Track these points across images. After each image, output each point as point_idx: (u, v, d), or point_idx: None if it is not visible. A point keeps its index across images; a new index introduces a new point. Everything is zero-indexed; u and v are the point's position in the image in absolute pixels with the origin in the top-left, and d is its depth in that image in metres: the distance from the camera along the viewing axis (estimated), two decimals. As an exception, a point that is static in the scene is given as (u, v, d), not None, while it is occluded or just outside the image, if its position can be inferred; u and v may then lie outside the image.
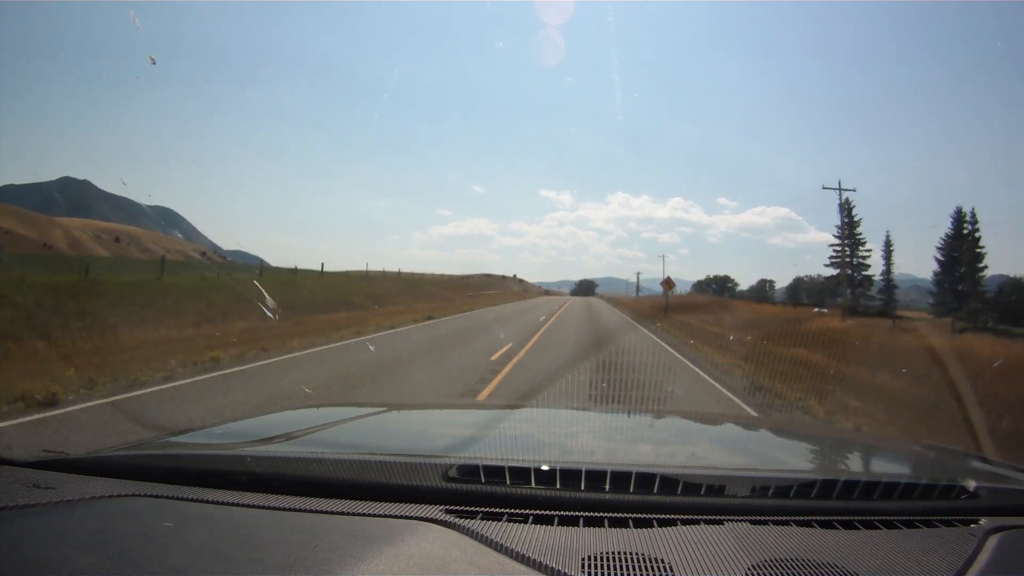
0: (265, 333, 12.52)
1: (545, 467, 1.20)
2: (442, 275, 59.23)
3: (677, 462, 1.69)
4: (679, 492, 1.16)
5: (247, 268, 32.99)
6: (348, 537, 1.00)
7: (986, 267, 45.84)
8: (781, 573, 0.92)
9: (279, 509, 1.10)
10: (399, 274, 44.90)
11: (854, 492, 1.19)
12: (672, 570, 0.92)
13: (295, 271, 29.14)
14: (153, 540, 0.99)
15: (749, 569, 0.92)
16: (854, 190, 38.52)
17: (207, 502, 1.14)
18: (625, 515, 1.09)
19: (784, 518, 1.12)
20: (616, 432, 2.16)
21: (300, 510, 1.10)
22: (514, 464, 1.22)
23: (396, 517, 1.07)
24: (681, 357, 12.88)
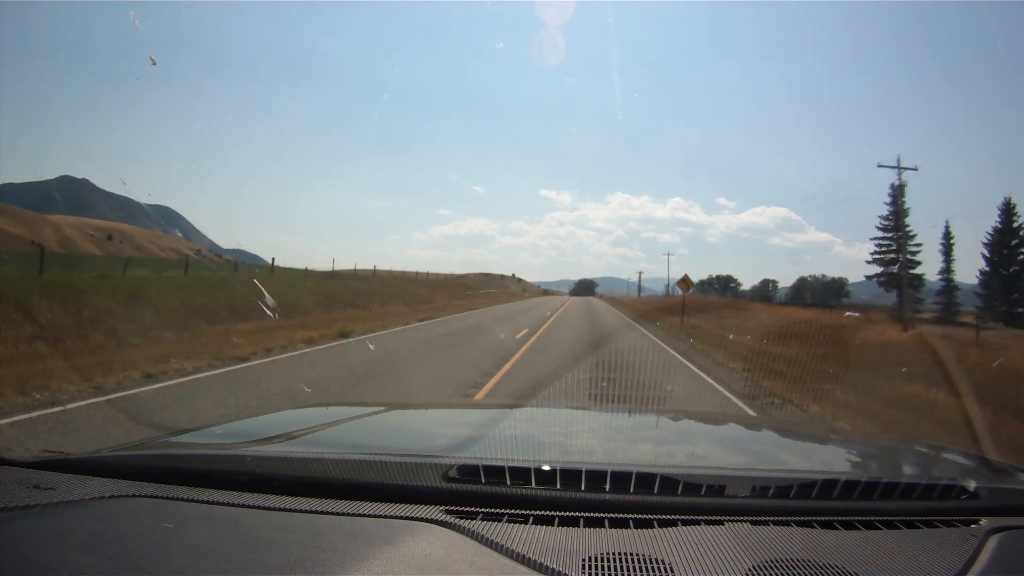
0: (195, 343, 10.40)
1: (545, 467, 1.19)
2: (437, 274, 56.23)
3: (677, 462, 1.69)
4: (679, 492, 1.16)
5: (226, 264, 31.59)
6: (348, 537, 1.00)
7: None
8: (782, 573, 0.92)
9: (279, 509, 1.10)
10: (375, 272, 38.32)
11: (854, 492, 1.19)
12: (672, 571, 0.92)
13: (273, 268, 26.73)
14: (153, 541, 0.99)
15: (750, 569, 0.92)
16: (915, 168, 28.64)
17: (207, 502, 1.14)
18: (625, 515, 1.09)
19: (784, 518, 1.12)
20: (616, 432, 2.16)
21: (300, 510, 1.09)
22: (514, 464, 1.22)
23: (396, 518, 1.07)
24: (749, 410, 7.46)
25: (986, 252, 42.59)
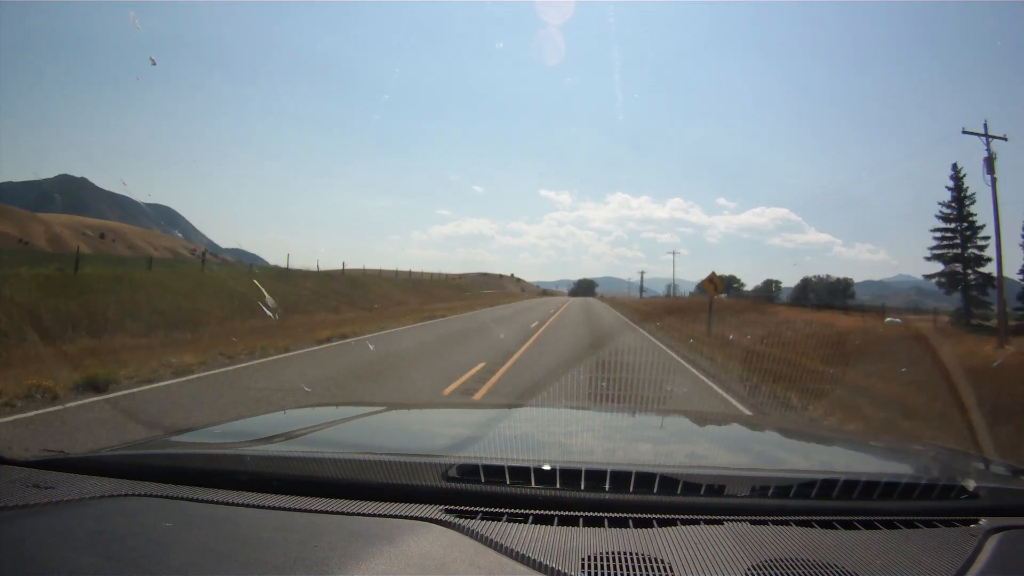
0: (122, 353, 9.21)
1: (545, 467, 1.19)
2: (422, 272, 51.60)
3: (677, 462, 1.69)
4: (679, 492, 1.16)
5: (190, 264, 29.44)
6: (348, 537, 1.00)
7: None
8: (781, 573, 0.92)
9: (279, 509, 1.10)
10: (343, 271, 33.46)
11: (854, 492, 1.19)
12: (672, 570, 0.92)
13: (252, 267, 24.60)
14: (153, 540, 0.99)
15: (749, 569, 0.92)
16: (1004, 138, 22.64)
17: (207, 502, 1.14)
18: (625, 515, 1.09)
19: (784, 518, 1.12)
20: (615, 431, 2.16)
21: (300, 510, 1.10)
22: (514, 464, 1.22)
23: (396, 517, 1.07)
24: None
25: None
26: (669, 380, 9.53)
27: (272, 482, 1.20)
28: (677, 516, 1.09)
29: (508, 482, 1.17)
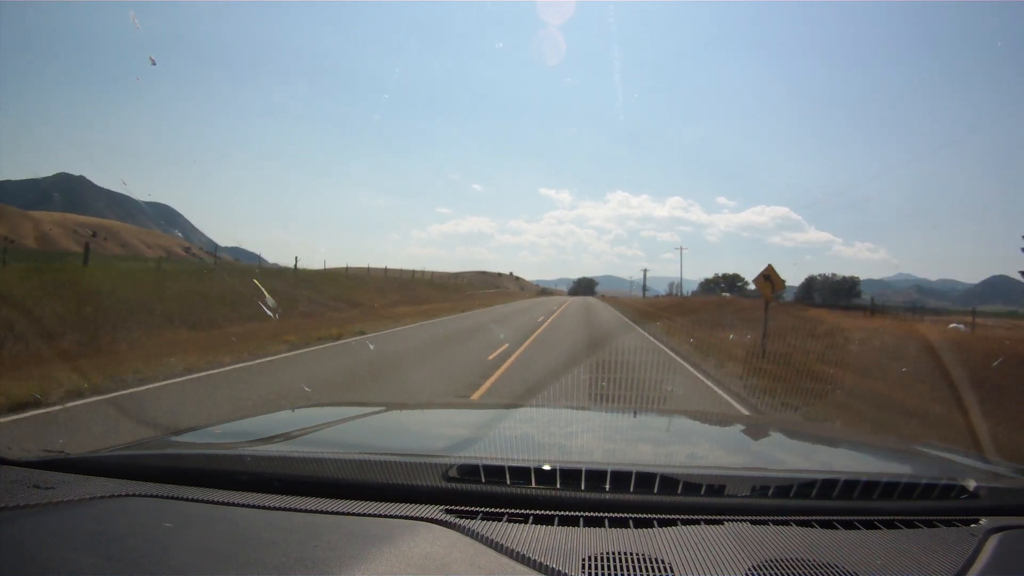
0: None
1: (546, 467, 1.19)
2: (410, 270, 50.28)
3: (677, 462, 1.69)
4: (679, 492, 1.16)
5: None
6: (348, 537, 1.00)
7: None
8: (781, 573, 0.92)
9: (279, 509, 1.10)
10: (324, 269, 32.01)
11: (854, 492, 1.19)
12: (672, 570, 0.92)
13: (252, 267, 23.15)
14: (153, 540, 0.99)
15: (749, 569, 0.92)
16: None
17: (207, 502, 1.14)
18: (625, 515, 1.09)
19: (784, 518, 1.12)
20: (616, 432, 2.16)
21: (300, 510, 1.09)
22: (514, 464, 1.22)
23: (396, 517, 1.07)
24: None
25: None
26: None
27: (272, 482, 1.20)
28: (677, 516, 1.09)
29: (508, 482, 1.17)
